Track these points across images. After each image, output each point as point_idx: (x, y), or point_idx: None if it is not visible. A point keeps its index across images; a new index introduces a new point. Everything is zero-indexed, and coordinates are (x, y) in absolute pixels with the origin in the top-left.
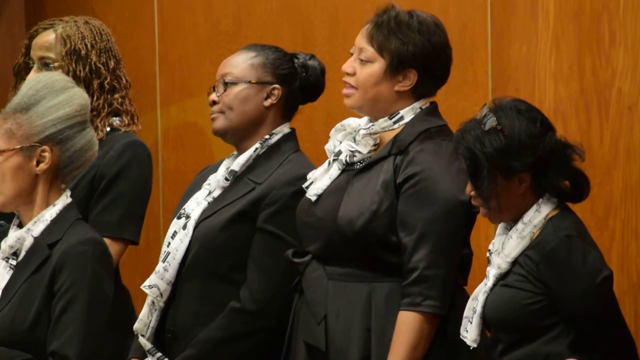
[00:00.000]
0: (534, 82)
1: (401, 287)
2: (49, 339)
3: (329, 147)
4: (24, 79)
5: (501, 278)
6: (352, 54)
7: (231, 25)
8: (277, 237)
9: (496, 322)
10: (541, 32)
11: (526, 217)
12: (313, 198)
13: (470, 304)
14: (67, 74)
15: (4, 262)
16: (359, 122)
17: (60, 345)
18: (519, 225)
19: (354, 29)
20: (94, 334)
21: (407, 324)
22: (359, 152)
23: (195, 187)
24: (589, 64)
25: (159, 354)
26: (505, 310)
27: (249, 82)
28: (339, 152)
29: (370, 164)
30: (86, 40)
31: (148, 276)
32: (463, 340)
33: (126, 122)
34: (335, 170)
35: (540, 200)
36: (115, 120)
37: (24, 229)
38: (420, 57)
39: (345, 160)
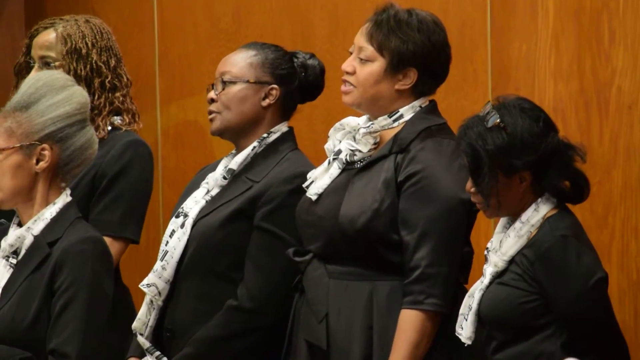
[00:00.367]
0: (533, 80)
1: (403, 285)
2: (49, 337)
3: (328, 146)
4: (25, 78)
5: (497, 276)
6: (351, 53)
7: (231, 24)
8: (274, 235)
9: (491, 319)
10: (541, 31)
11: (524, 216)
12: (314, 197)
13: (466, 301)
14: (68, 73)
15: (4, 260)
16: (358, 121)
17: (60, 343)
18: (517, 224)
19: (353, 28)
20: (93, 333)
21: (409, 322)
22: (359, 151)
23: (194, 186)
24: (589, 63)
25: (158, 353)
26: (500, 308)
27: (247, 81)
28: (339, 151)
29: (371, 163)
30: (87, 39)
31: (147, 275)
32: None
33: (127, 120)
34: (335, 170)
35: (539, 199)
36: (117, 119)
37: (24, 227)
38: (420, 55)
39: (346, 159)
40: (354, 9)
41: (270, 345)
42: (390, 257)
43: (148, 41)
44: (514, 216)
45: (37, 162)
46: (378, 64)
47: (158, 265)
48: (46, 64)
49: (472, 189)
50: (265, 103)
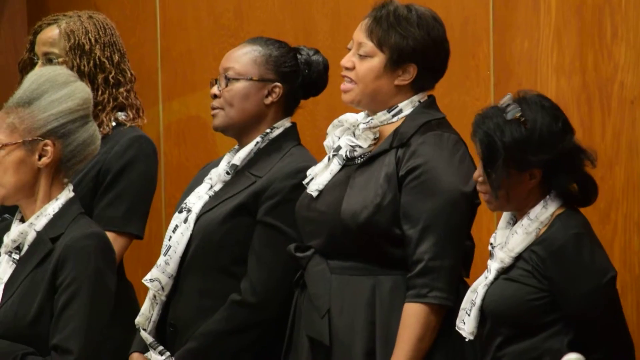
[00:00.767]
0: (535, 76)
1: (406, 279)
2: (52, 332)
3: (327, 143)
4: None
5: (503, 272)
6: (349, 49)
7: (233, 20)
8: (277, 229)
9: (496, 315)
10: (543, 26)
11: (532, 213)
12: (314, 193)
13: (468, 295)
14: (72, 69)
15: (6, 256)
16: (357, 117)
17: (63, 339)
18: (525, 221)
19: (355, 23)
20: (96, 328)
21: (413, 316)
22: (360, 147)
23: (198, 182)
24: (591, 58)
25: (161, 348)
26: (507, 304)
27: (251, 79)
28: (339, 148)
29: (371, 158)
30: (90, 34)
31: (150, 270)
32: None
33: (131, 116)
34: (335, 166)
35: (548, 197)
36: (121, 115)
37: (27, 223)
38: (420, 51)
39: (346, 155)
40: (355, 5)
41: (273, 339)
42: (392, 252)
43: (150, 37)
44: (517, 211)
45: (40, 157)
46: (378, 60)
47: (161, 260)
48: (49, 60)
49: (480, 179)
50: (268, 100)
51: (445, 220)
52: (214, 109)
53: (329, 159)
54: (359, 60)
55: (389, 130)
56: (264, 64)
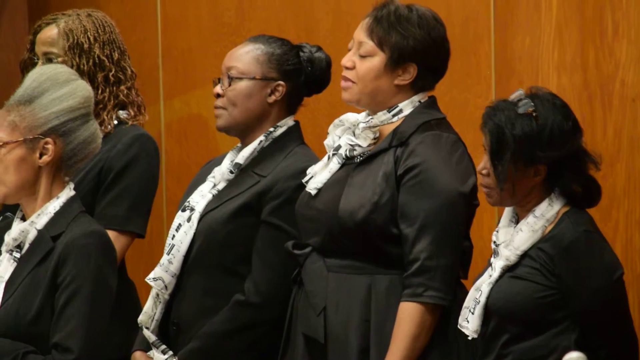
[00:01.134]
0: (537, 73)
1: (402, 278)
2: (52, 331)
3: (327, 142)
4: None
5: (508, 270)
6: (350, 49)
7: (234, 17)
8: (281, 229)
9: (503, 313)
10: (544, 24)
11: (538, 211)
12: (313, 192)
13: (472, 294)
14: (71, 68)
15: (7, 254)
16: (358, 117)
17: (64, 337)
18: (530, 219)
19: (357, 22)
20: (96, 327)
21: (409, 315)
22: (359, 146)
23: (200, 179)
24: (592, 56)
25: (164, 347)
26: (515, 301)
27: (254, 78)
28: (338, 147)
29: (370, 157)
30: (89, 33)
31: (151, 269)
32: (464, 333)
33: (133, 113)
34: (335, 164)
35: (552, 194)
36: (123, 114)
37: (28, 221)
38: (420, 51)
39: (345, 154)
40: (357, 3)
41: (276, 339)
42: (389, 251)
43: (151, 35)
44: (517, 207)
45: (41, 156)
46: (378, 59)
47: (164, 259)
48: (49, 60)
49: (484, 171)
50: (271, 99)
51: (442, 220)
52: (217, 108)
53: (329, 157)
54: (359, 59)
55: (388, 129)
56: (266, 62)
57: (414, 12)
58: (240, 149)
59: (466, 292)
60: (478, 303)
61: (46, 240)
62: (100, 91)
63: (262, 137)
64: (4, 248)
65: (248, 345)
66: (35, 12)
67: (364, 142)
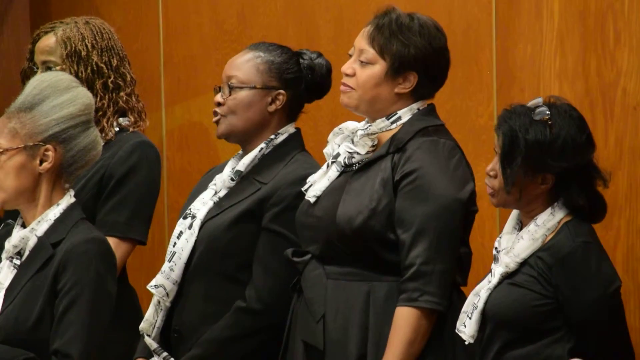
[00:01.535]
0: (538, 82)
1: (398, 284)
2: (52, 338)
3: (327, 150)
4: None
5: (507, 277)
6: (350, 56)
7: (236, 25)
8: (282, 236)
9: (499, 319)
10: (546, 32)
11: (540, 220)
12: (312, 200)
13: (470, 299)
14: None
15: (8, 261)
16: (357, 125)
17: (63, 344)
18: (532, 227)
19: (358, 29)
20: (96, 333)
21: (404, 320)
22: (357, 153)
23: (202, 187)
24: (594, 64)
25: (165, 354)
26: (511, 308)
27: (254, 87)
28: (337, 155)
29: (368, 164)
30: (86, 40)
31: (152, 276)
32: (460, 338)
33: (133, 120)
34: (334, 172)
35: (555, 204)
36: (124, 121)
37: (28, 228)
38: (421, 59)
39: (344, 162)
40: (359, 11)
41: (277, 346)
42: (387, 257)
43: (153, 42)
44: (520, 211)
45: (41, 162)
46: (379, 67)
47: (166, 266)
48: (48, 68)
49: (492, 172)
50: (272, 108)
51: (438, 225)
52: (216, 115)
53: (328, 165)
54: (360, 67)
55: (387, 137)
56: (266, 71)
57: (416, 20)
58: (242, 156)
59: (464, 298)
60: (476, 308)
61: (46, 247)
62: (99, 98)
63: (263, 145)
64: (4, 255)
65: (249, 352)
66: (37, 20)
67: (363, 149)
